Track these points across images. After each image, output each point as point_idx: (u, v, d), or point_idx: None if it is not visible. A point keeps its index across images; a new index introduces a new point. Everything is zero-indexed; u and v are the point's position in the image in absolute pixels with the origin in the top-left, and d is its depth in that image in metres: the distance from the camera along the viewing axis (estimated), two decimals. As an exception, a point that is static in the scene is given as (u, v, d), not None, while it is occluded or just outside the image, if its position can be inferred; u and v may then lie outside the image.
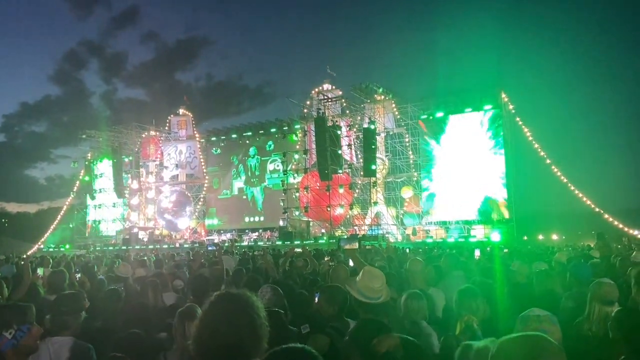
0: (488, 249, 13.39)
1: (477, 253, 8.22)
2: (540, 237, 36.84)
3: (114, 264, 9.83)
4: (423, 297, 3.90)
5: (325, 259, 10.19)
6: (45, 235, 43.08)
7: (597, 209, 30.47)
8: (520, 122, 32.03)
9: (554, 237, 35.97)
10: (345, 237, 25.49)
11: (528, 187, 33.76)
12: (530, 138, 31.94)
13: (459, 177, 31.10)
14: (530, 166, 33.49)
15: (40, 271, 6.81)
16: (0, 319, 2.51)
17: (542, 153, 31.70)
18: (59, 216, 44.35)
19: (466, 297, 3.52)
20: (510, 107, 31.65)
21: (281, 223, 34.83)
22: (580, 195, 31.07)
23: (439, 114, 32.72)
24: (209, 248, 10.49)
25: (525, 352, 1.52)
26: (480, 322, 3.26)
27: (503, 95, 31.35)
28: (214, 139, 43.10)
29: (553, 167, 31.62)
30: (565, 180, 31.34)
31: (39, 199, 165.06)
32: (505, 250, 12.17)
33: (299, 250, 8.83)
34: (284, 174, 34.43)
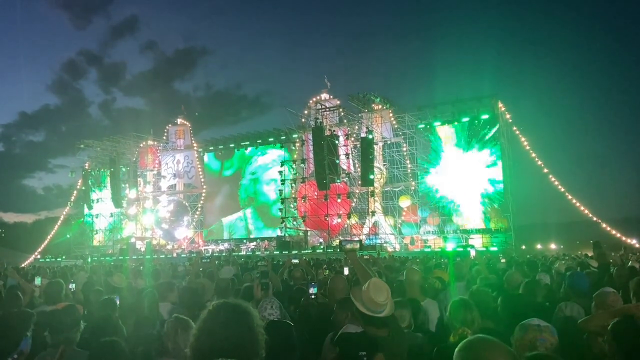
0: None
1: (472, 253, 8.22)
2: (539, 246, 36.85)
3: (110, 275, 9.78)
4: (407, 306, 3.91)
5: (324, 267, 10.19)
6: (42, 246, 42.88)
7: (594, 218, 30.50)
8: (517, 132, 32.16)
9: (552, 246, 35.99)
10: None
11: (526, 196, 33.88)
12: (528, 147, 32.06)
13: (456, 186, 31.16)
14: (528, 175, 33.63)
15: (37, 281, 6.78)
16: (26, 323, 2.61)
17: (539, 162, 31.81)
18: (56, 226, 44.19)
19: (460, 309, 3.50)
20: (507, 116, 31.80)
21: (279, 233, 34.77)
22: (578, 204, 31.11)
23: (436, 124, 32.85)
24: (203, 260, 10.46)
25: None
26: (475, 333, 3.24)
27: (500, 105, 31.50)
28: (211, 148, 43.12)
29: (551, 176, 31.70)
30: (562, 189, 31.42)
31: (36, 208, 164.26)
32: (503, 260, 12.09)
33: (295, 260, 8.81)
34: (282, 184, 34.44)
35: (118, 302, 4.86)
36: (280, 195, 34.25)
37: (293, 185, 34.20)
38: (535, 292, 4.99)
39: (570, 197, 31.29)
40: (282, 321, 3.09)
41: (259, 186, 40.23)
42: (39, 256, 40.60)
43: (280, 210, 34.40)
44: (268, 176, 39.66)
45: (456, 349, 1.78)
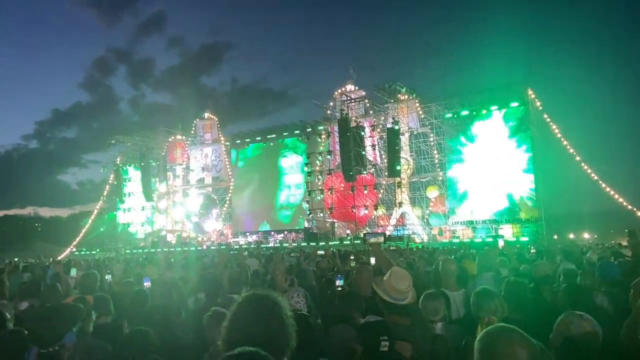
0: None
1: (500, 243, 8.08)
2: (571, 236, 36.00)
3: (144, 267, 10.06)
4: (440, 297, 3.88)
5: (351, 257, 10.23)
6: (77, 239, 44.17)
7: (629, 207, 29.62)
8: (548, 119, 31.42)
9: (586, 235, 35.10)
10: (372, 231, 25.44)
11: (558, 185, 33.00)
12: (559, 135, 31.30)
13: (486, 176, 30.66)
14: (559, 164, 32.78)
15: (73, 272, 7.00)
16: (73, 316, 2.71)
17: (571, 150, 31.02)
18: (90, 220, 45.43)
19: (484, 299, 3.49)
20: (538, 104, 31.07)
21: (306, 224, 34.97)
22: (612, 192, 30.27)
23: (464, 113, 32.31)
24: (231, 252, 10.65)
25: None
26: (501, 322, 3.22)
27: (530, 92, 30.77)
28: (238, 141, 43.52)
29: (583, 164, 30.90)
30: (595, 177, 30.59)
31: (70, 203, 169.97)
32: (533, 250, 11.89)
33: (321, 252, 8.88)
34: (309, 176, 34.60)
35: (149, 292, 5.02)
36: (307, 187, 34.54)
37: (319, 177, 34.31)
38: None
39: (603, 185, 30.46)
40: (298, 312, 3.15)
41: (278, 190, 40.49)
42: (74, 249, 41.83)
43: (307, 202, 34.64)
44: (283, 181, 40.11)
45: (477, 339, 1.79)
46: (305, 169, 35.36)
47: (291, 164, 39.84)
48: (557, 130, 31.35)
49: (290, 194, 39.50)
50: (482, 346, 1.74)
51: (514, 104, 30.67)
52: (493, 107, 31.19)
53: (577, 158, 30.94)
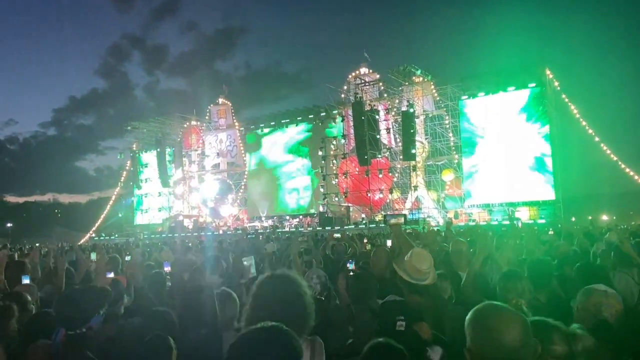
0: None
1: (519, 225, 8.02)
2: (590, 218, 35.59)
3: (161, 251, 10.21)
4: (447, 277, 3.95)
5: (364, 240, 10.26)
6: (96, 225, 44.89)
7: (649, 188, 29.20)
8: (567, 100, 30.87)
9: (604, 217, 34.70)
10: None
11: (576, 166, 32.57)
12: (577, 115, 30.79)
13: (503, 158, 30.31)
14: (577, 145, 32.31)
15: (93, 256, 7.12)
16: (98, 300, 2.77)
17: (590, 131, 30.52)
18: (108, 206, 46.08)
19: (510, 280, 3.48)
20: (556, 84, 30.52)
21: (321, 209, 35.07)
22: (632, 173, 29.81)
23: (480, 94, 31.85)
24: (249, 236, 10.75)
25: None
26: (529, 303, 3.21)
27: (547, 72, 30.21)
28: (252, 127, 43.54)
29: (602, 145, 30.40)
30: (615, 158, 30.12)
31: (89, 189, 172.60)
32: (551, 232, 11.77)
33: (338, 235, 8.91)
34: (323, 160, 34.58)
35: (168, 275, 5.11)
36: (322, 171, 34.57)
37: (334, 161, 34.26)
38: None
39: (623, 166, 30.02)
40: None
41: (282, 194, 40.45)
42: (93, 235, 42.57)
43: (322, 186, 34.72)
44: (291, 185, 40.01)
45: (467, 318, 1.75)
46: (320, 153, 35.25)
47: (298, 166, 39.80)
48: (575, 111, 30.85)
49: (300, 197, 39.55)
50: (474, 325, 1.71)
51: (532, 85, 30.14)
52: (510, 88, 30.69)
53: (596, 139, 30.47)
